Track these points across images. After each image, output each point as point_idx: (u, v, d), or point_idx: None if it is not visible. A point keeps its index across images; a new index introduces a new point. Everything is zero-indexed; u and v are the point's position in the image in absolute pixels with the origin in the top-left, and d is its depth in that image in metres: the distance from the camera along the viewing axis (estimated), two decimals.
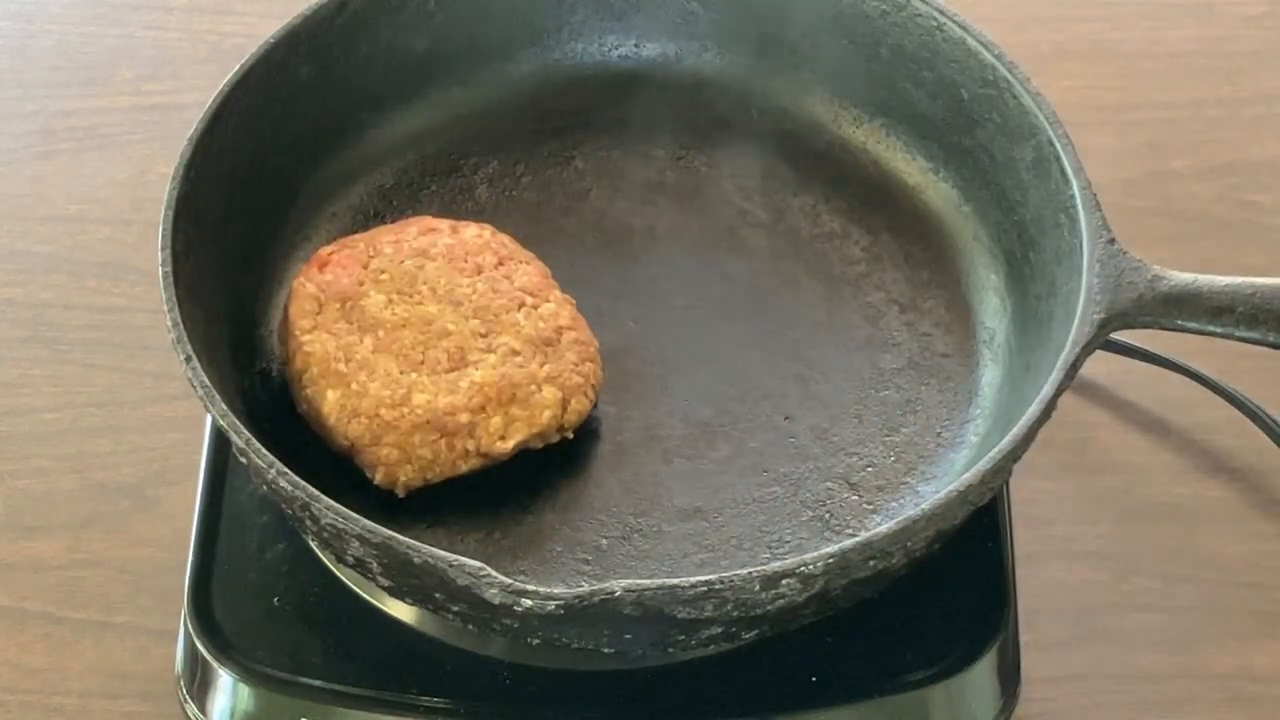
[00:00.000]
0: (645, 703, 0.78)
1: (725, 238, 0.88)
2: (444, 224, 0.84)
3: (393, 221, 0.86)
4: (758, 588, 0.70)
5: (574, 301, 0.82)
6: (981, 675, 0.79)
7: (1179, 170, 1.00)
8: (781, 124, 0.90)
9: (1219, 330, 0.76)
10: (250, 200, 0.83)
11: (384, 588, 0.75)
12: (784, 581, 0.70)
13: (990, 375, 0.83)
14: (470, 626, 0.74)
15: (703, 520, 0.79)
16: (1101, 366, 0.89)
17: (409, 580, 0.72)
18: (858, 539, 0.71)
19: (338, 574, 0.80)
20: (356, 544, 0.72)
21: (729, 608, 0.71)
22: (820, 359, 0.84)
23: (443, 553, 0.70)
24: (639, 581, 0.69)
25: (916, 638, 0.79)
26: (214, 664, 0.78)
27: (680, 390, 0.82)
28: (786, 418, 0.82)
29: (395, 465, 0.77)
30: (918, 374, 0.83)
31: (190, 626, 0.79)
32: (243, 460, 0.75)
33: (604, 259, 0.86)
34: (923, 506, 0.72)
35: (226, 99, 0.82)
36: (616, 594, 0.69)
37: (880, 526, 0.73)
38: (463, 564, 0.70)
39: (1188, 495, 0.88)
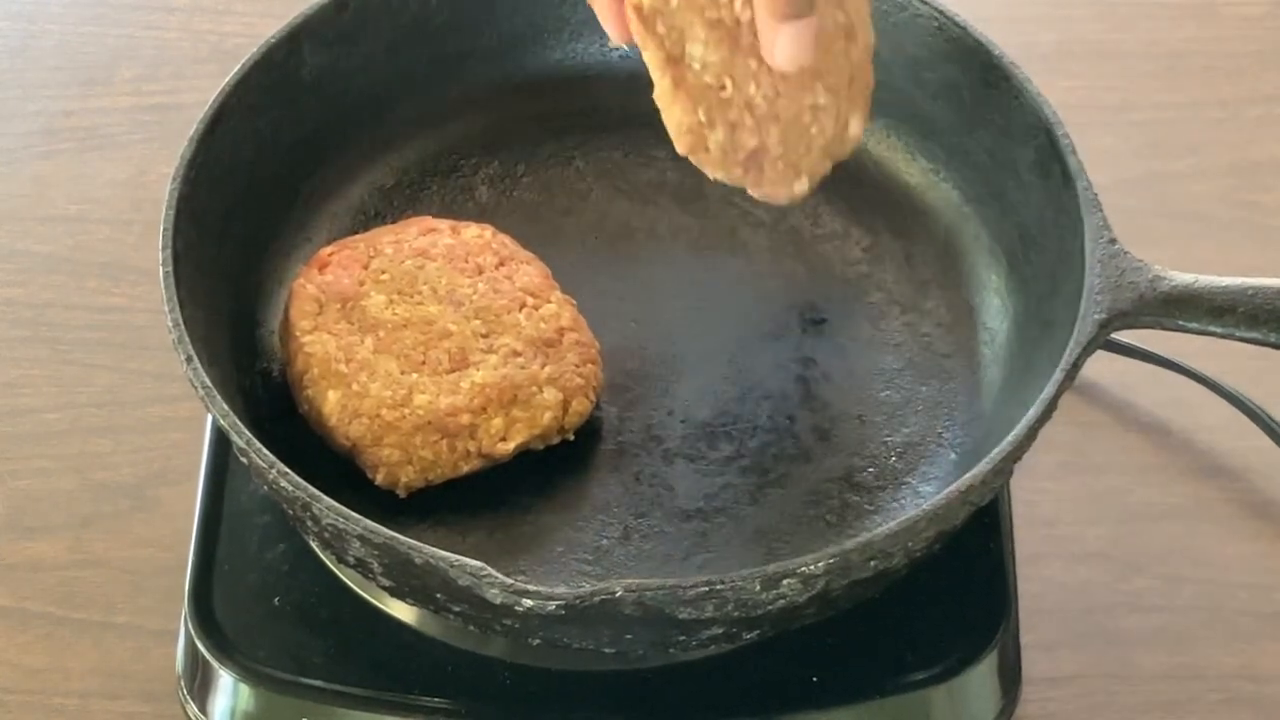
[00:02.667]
0: (646, 703, 0.78)
1: (726, 238, 0.88)
2: (444, 224, 0.84)
3: (393, 221, 0.86)
4: (758, 588, 0.70)
5: (575, 302, 0.82)
6: (982, 676, 0.79)
7: (1179, 171, 1.00)
8: None
9: (1219, 330, 0.76)
10: (251, 200, 0.83)
11: (385, 588, 0.75)
12: (785, 582, 0.70)
13: (991, 375, 0.83)
14: (471, 627, 0.75)
15: (703, 520, 0.79)
16: (1102, 367, 0.89)
17: (410, 580, 0.72)
18: (859, 539, 0.72)
19: (338, 574, 0.80)
20: (357, 544, 0.72)
21: (730, 608, 0.71)
22: (821, 359, 0.84)
23: (444, 553, 0.70)
24: (640, 581, 0.69)
25: (917, 638, 0.79)
26: (215, 664, 0.78)
27: (681, 391, 0.83)
28: (787, 418, 0.82)
29: (396, 466, 0.77)
30: (919, 374, 0.83)
31: (191, 627, 0.79)
32: (244, 460, 0.75)
33: (605, 259, 0.86)
34: (924, 507, 0.72)
35: (227, 99, 0.82)
36: (617, 594, 0.69)
37: (881, 527, 0.73)
38: (464, 564, 0.70)
39: (1188, 495, 0.88)
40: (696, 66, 0.76)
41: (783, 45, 0.74)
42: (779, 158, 0.78)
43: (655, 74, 0.76)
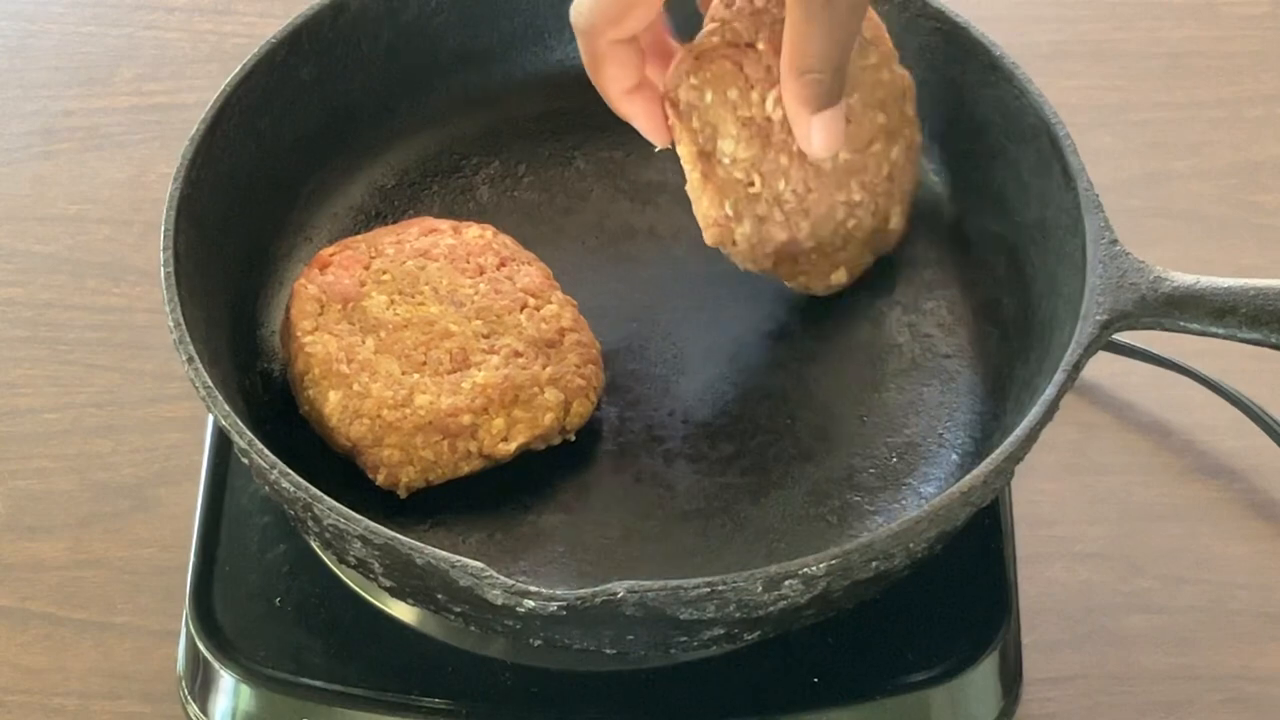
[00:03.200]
0: (646, 703, 0.78)
1: None
2: (445, 224, 0.84)
3: (394, 222, 0.86)
4: (760, 589, 0.70)
5: (575, 303, 0.82)
6: (983, 676, 0.79)
7: (1180, 171, 1.00)
8: None
9: (1221, 331, 0.76)
10: (251, 200, 0.83)
11: (385, 588, 0.75)
12: (786, 582, 0.70)
13: (992, 376, 0.83)
14: (472, 627, 0.75)
15: (704, 521, 0.79)
16: (1103, 368, 0.89)
17: (411, 581, 0.72)
18: (859, 540, 0.72)
19: (339, 574, 0.80)
20: (358, 545, 0.72)
21: (731, 609, 0.71)
22: (822, 360, 0.84)
23: (445, 553, 0.70)
24: (641, 582, 0.69)
25: (918, 639, 0.79)
26: (215, 664, 0.78)
27: (682, 391, 0.82)
28: (788, 418, 0.82)
29: (397, 466, 0.77)
30: (919, 375, 0.83)
31: (192, 627, 0.79)
32: (245, 461, 0.75)
33: (605, 259, 0.86)
34: (925, 507, 0.72)
35: (228, 99, 0.82)
36: (619, 595, 0.69)
37: (882, 527, 0.73)
38: (465, 565, 0.70)
39: (1189, 496, 0.88)
40: (726, 161, 0.79)
41: (817, 134, 0.77)
42: (812, 250, 0.82)
43: (686, 167, 0.80)
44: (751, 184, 0.79)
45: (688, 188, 0.80)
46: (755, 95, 0.79)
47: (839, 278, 0.83)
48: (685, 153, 0.79)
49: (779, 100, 0.78)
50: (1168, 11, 1.07)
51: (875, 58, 0.82)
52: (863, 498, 0.80)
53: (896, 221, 0.84)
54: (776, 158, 0.79)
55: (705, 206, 0.80)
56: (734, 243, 0.80)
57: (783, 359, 0.84)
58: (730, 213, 0.80)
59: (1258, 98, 1.03)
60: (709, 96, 0.79)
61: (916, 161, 0.84)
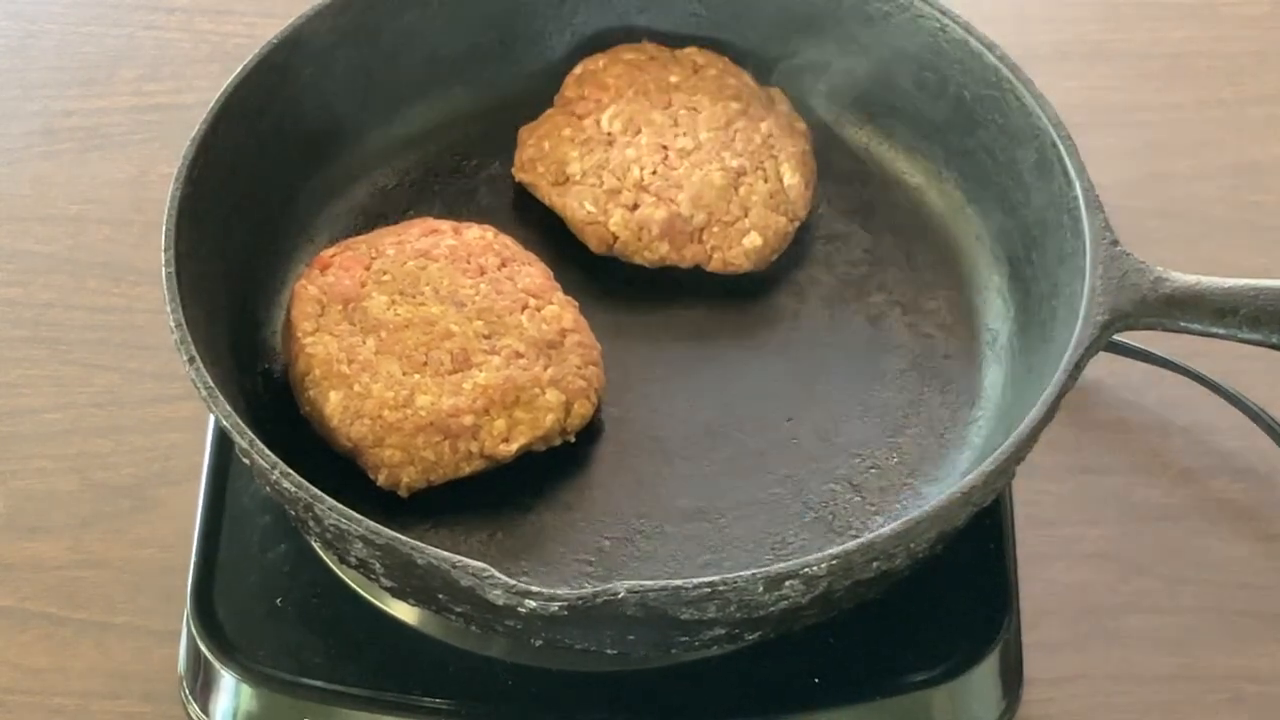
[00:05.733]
0: (647, 704, 0.78)
1: None
2: (446, 225, 0.84)
3: (395, 222, 0.86)
4: (761, 589, 0.70)
5: (576, 304, 0.82)
6: (984, 676, 0.79)
7: (1181, 171, 1.00)
8: None
9: (1222, 332, 0.76)
10: (252, 201, 0.83)
11: (386, 589, 0.75)
12: (787, 583, 0.70)
13: (993, 376, 0.83)
14: (473, 628, 0.75)
15: (705, 521, 0.79)
16: (1104, 367, 0.88)
17: (412, 581, 0.72)
18: (861, 540, 0.72)
19: (340, 575, 0.80)
20: (360, 545, 0.72)
21: (732, 609, 0.71)
22: (823, 360, 0.84)
23: (446, 554, 0.70)
24: (642, 583, 0.69)
25: (919, 639, 0.79)
26: (216, 664, 0.78)
27: (682, 392, 0.83)
28: (789, 419, 0.82)
29: (398, 466, 0.77)
30: (920, 375, 0.83)
31: (192, 627, 0.79)
32: (246, 461, 0.75)
33: (606, 260, 0.86)
34: (925, 507, 0.72)
35: (229, 99, 0.82)
36: (620, 595, 0.69)
37: (883, 528, 0.73)
38: (466, 565, 0.70)
39: (1189, 496, 0.88)
40: (577, 176, 0.85)
41: None
42: (711, 224, 0.85)
43: (547, 201, 0.85)
44: (603, 182, 0.85)
45: (565, 218, 0.85)
46: (588, 122, 0.87)
47: (753, 241, 0.85)
48: (544, 197, 0.86)
49: (614, 115, 0.85)
50: (1168, 11, 1.07)
51: (714, 70, 0.88)
52: (863, 498, 0.80)
53: (792, 179, 0.86)
54: (621, 153, 0.85)
55: (571, 213, 0.85)
56: (615, 237, 0.84)
57: (783, 360, 0.84)
58: (593, 208, 0.84)
59: (1258, 98, 1.03)
60: (547, 145, 0.86)
61: (803, 134, 0.88)
